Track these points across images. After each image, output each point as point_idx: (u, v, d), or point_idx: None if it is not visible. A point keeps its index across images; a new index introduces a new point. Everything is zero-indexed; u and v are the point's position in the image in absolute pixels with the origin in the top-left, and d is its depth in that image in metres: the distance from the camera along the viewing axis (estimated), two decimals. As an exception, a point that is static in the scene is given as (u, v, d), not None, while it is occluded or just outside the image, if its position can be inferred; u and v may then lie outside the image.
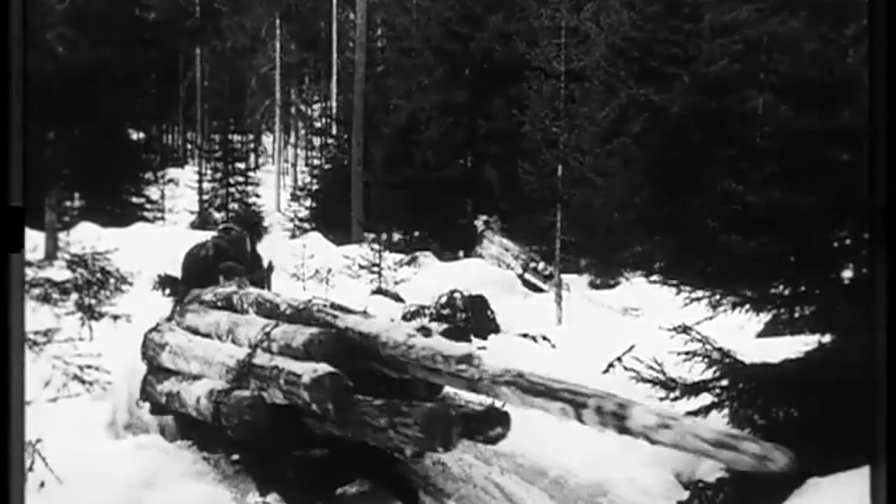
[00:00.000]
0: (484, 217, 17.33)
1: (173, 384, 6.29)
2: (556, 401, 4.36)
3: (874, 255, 2.87)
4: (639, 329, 9.10)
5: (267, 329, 5.84)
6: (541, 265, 15.61)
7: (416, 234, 16.84)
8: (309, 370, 5.25)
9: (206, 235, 9.38)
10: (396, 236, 17.15)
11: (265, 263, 7.97)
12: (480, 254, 16.36)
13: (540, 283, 15.13)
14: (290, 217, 20.86)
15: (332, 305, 6.06)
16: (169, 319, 7.07)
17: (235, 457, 6.07)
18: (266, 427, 5.47)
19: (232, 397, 5.57)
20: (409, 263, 14.17)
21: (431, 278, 12.95)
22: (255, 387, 5.59)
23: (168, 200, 19.23)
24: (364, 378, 5.37)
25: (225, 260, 7.33)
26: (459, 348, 5.02)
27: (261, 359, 5.67)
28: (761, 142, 6.01)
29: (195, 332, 6.59)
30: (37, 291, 6.52)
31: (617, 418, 4.12)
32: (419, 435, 4.86)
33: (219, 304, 6.78)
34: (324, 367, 5.24)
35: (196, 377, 6.13)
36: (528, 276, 15.27)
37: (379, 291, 12.59)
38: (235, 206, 18.70)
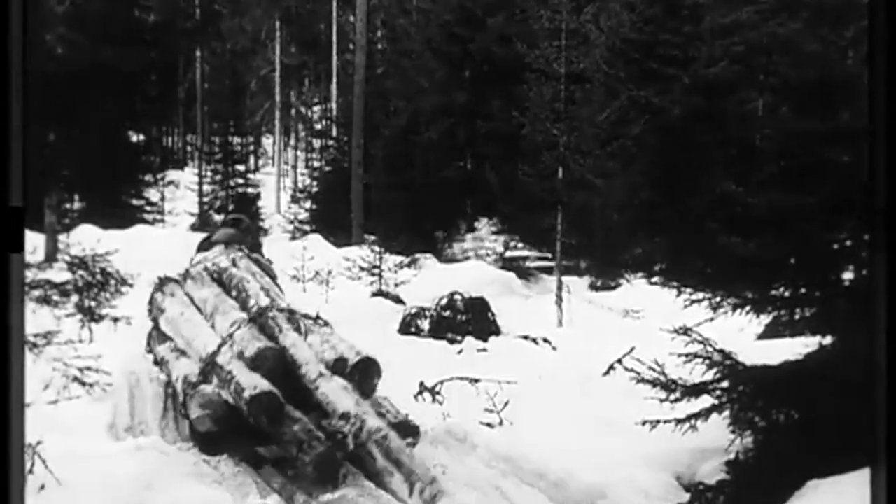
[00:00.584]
0: (484, 219, 17.31)
1: (166, 351, 6.81)
2: (400, 473, 5.27)
3: (874, 256, 2.87)
4: (639, 331, 9.09)
5: (231, 330, 6.36)
6: (520, 244, 15.69)
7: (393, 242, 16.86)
8: (251, 386, 5.74)
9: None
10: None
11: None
12: (456, 256, 16.33)
13: (525, 253, 15.19)
14: (290, 219, 20.86)
15: (284, 311, 6.55)
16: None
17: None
18: (224, 421, 5.86)
19: (197, 391, 6.05)
20: (409, 265, 14.13)
21: (432, 280, 12.91)
22: (216, 384, 6.06)
23: (168, 202, 19.26)
24: (302, 395, 5.85)
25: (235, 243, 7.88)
26: (343, 405, 5.62)
27: (223, 357, 6.16)
28: (761, 143, 6.03)
29: (191, 300, 7.14)
30: (37, 293, 6.56)
31: None
32: (313, 475, 5.45)
33: (214, 275, 7.33)
34: (263, 385, 5.73)
35: (182, 352, 6.65)
36: (509, 253, 15.30)
37: (379, 293, 12.54)
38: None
